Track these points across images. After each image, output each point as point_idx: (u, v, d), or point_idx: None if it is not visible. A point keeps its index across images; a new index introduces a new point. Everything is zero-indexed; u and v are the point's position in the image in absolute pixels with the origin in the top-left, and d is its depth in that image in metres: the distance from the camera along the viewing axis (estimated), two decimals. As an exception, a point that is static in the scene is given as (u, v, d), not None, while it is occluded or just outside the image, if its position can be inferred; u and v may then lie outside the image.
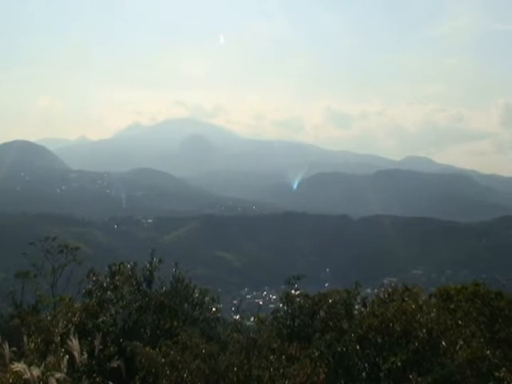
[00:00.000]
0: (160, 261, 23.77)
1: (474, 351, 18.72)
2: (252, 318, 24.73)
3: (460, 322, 19.77)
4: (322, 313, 24.35)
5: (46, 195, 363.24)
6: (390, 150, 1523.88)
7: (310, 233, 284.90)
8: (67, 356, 14.81)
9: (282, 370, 16.08)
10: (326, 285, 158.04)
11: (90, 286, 22.50)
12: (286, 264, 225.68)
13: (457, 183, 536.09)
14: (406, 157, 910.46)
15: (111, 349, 17.54)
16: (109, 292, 22.31)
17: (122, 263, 23.27)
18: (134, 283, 22.69)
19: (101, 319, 20.53)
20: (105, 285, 22.43)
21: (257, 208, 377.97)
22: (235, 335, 18.53)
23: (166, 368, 16.13)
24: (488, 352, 18.74)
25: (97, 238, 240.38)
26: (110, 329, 20.34)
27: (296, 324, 24.01)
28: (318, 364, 17.00)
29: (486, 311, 19.49)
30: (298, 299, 24.81)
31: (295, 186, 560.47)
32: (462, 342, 19.39)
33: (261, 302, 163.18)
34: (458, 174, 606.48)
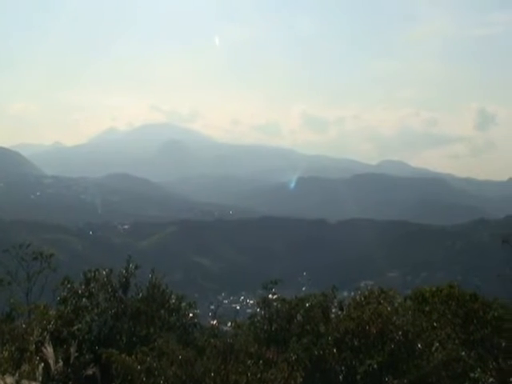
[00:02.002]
0: (136, 267, 23.64)
1: (449, 353, 18.90)
2: (229, 323, 24.74)
3: (435, 324, 19.95)
4: (299, 317, 24.43)
5: (21, 201, 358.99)
6: (366, 153, 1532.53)
7: (288, 237, 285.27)
8: (42, 364, 14.69)
9: (259, 375, 16.06)
10: (303, 289, 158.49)
11: (65, 294, 22.32)
12: (263, 268, 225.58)
13: (432, 186, 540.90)
14: (381, 160, 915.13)
15: (87, 356, 17.43)
16: (84, 299, 22.15)
17: (97, 270, 23.12)
18: (110, 290, 22.54)
19: (76, 327, 20.37)
20: (80, 292, 22.27)
21: (234, 212, 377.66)
22: (212, 340, 18.47)
23: (143, 375, 16.04)
24: (463, 353, 18.94)
25: (72, 245, 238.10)
26: (86, 336, 20.20)
27: (273, 328, 24.05)
28: (295, 368, 17.02)
29: (461, 313, 19.65)
30: (275, 303, 24.86)
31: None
32: (437, 344, 19.57)
33: (238, 307, 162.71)
34: (433, 178, 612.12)
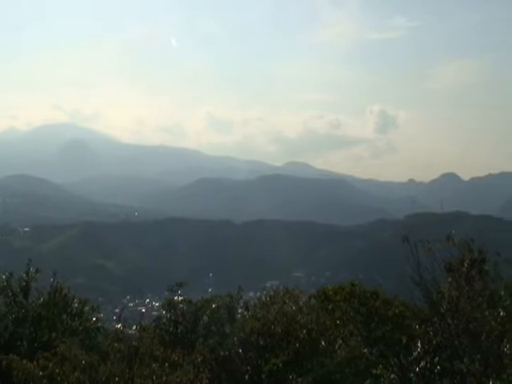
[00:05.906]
0: (37, 271, 23.10)
1: (352, 350, 19.41)
2: (134, 327, 24.46)
3: (338, 322, 20.39)
4: (205, 318, 24.51)
5: None
6: (272, 155, 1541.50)
7: (193, 238, 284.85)
8: None
9: (164, 378, 15.98)
10: (210, 290, 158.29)
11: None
12: (168, 270, 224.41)
13: (335, 188, 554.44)
14: (286, 162, 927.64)
15: (-15, 364, 16.83)
16: (-18, 304, 21.48)
17: (-4, 274, 22.46)
18: (10, 294, 22.02)
19: (-26, 333, 19.70)
20: (-22, 297, 21.57)
21: (139, 214, 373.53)
22: (116, 344, 18.20)
23: (45, 381, 15.65)
24: (365, 350, 19.47)
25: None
26: (-16, 343, 19.53)
27: (179, 330, 24.02)
28: (201, 369, 17.07)
29: (363, 310, 20.13)
30: (180, 305, 24.82)
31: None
32: (340, 342, 20.06)
33: (143, 310, 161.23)
34: (336, 179, 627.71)
